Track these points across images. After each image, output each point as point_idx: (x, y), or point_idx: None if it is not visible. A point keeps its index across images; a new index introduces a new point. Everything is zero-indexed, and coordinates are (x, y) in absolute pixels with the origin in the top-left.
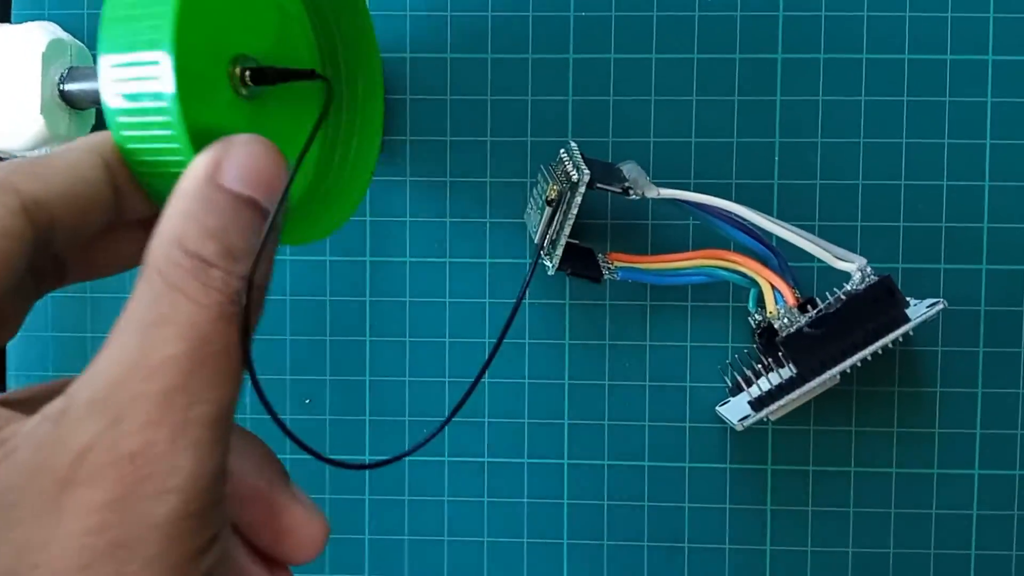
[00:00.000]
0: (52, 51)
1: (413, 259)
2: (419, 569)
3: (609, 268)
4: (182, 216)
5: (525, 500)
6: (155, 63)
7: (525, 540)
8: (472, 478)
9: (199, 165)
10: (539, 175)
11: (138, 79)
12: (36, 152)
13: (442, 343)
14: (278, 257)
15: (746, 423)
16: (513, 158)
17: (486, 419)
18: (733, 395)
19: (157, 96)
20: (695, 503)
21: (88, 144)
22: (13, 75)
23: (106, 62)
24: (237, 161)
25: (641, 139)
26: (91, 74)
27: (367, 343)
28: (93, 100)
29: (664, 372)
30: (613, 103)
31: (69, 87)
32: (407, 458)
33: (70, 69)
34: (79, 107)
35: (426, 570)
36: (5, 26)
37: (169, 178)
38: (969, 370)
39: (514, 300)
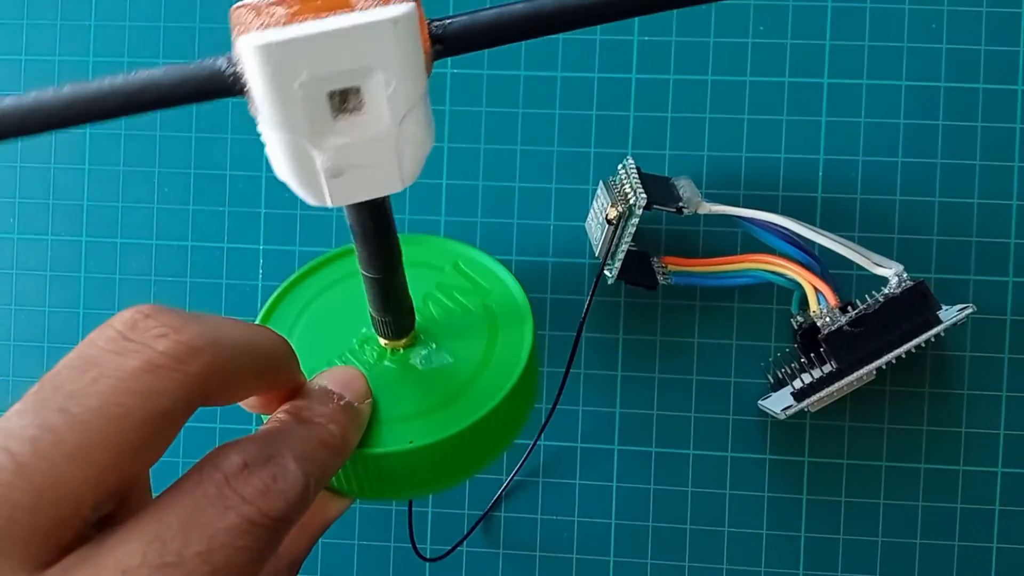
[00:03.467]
0: None
1: None
2: None
3: (663, 272)
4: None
5: (577, 482)
6: None
7: (576, 519)
8: (527, 461)
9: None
10: (600, 188)
11: None
12: None
13: None
14: None
15: (789, 412)
16: (577, 167)
17: (542, 405)
18: (774, 390)
19: None
20: (736, 490)
21: None
22: None
23: None
24: None
25: (696, 153)
26: None
27: None
28: None
29: (710, 368)
30: (671, 120)
31: None
32: None
33: None
34: None
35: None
36: None
37: None
38: (995, 374)
39: (573, 296)
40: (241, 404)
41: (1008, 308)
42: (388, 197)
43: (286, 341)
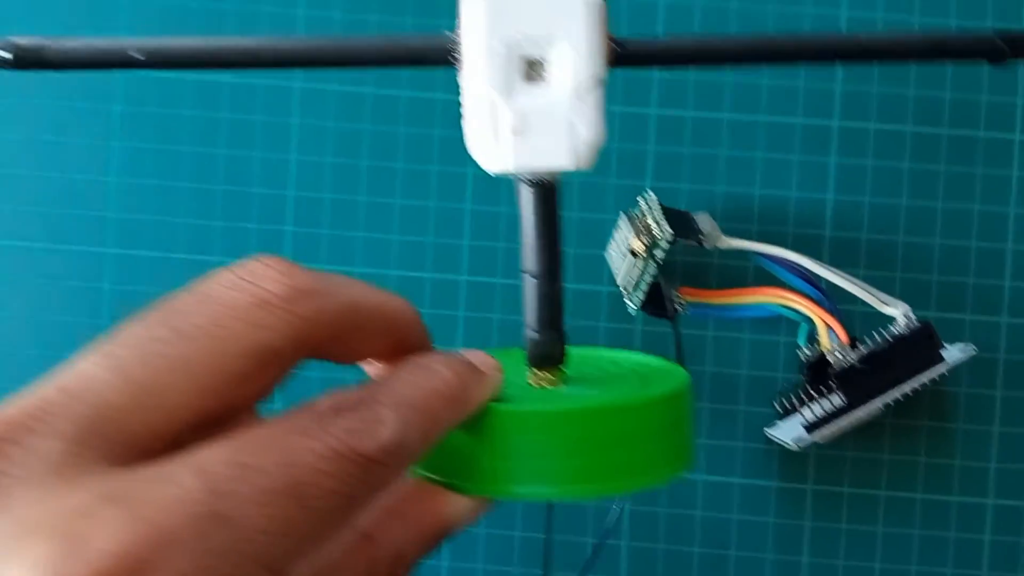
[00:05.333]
0: None
1: (505, 281)
2: None
3: (680, 303)
4: None
5: (588, 505)
6: None
7: (588, 540)
8: None
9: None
10: (622, 219)
11: None
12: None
13: None
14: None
15: (802, 444)
16: (597, 197)
17: None
18: (781, 419)
19: None
20: (742, 515)
21: None
22: None
23: None
24: None
25: (711, 188)
26: None
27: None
28: None
29: (720, 396)
30: (688, 155)
31: None
32: None
33: None
34: None
35: None
36: None
37: None
38: (987, 410)
39: (590, 322)
40: (364, 368)
41: (1001, 347)
42: (558, 191)
43: (415, 308)
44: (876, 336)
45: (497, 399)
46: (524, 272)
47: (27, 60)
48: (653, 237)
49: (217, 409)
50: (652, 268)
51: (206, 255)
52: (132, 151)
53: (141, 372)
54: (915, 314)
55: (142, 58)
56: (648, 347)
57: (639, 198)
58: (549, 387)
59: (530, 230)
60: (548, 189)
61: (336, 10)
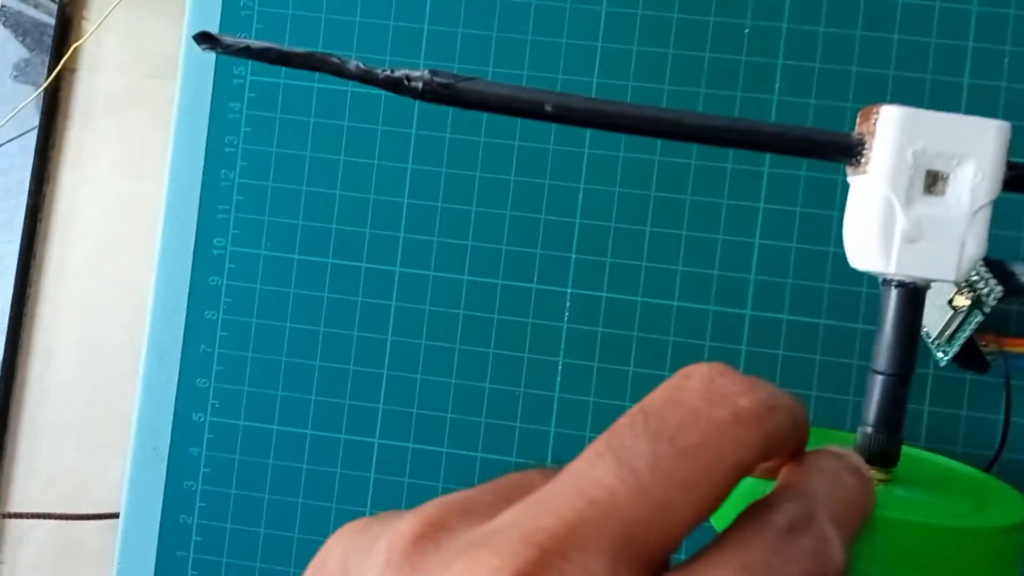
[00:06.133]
0: None
1: (824, 358)
2: None
3: (987, 350)
4: None
5: None
6: None
7: None
8: None
9: None
10: None
11: None
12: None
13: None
14: None
15: None
16: None
17: None
18: None
19: None
20: None
21: None
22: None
23: None
24: None
25: (1018, 233)
26: None
27: None
28: None
29: (1010, 445)
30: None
31: None
32: None
33: None
34: None
35: None
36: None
37: None
38: None
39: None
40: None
41: None
42: (924, 296)
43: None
44: None
45: None
46: (874, 371)
47: (440, 95)
48: (978, 292)
49: (695, 526)
50: (973, 323)
51: (491, 278)
52: (426, 175)
53: (655, 490)
54: None
55: (551, 110)
56: (943, 393)
57: None
58: (881, 485)
59: (888, 331)
60: (918, 293)
61: (631, 79)
